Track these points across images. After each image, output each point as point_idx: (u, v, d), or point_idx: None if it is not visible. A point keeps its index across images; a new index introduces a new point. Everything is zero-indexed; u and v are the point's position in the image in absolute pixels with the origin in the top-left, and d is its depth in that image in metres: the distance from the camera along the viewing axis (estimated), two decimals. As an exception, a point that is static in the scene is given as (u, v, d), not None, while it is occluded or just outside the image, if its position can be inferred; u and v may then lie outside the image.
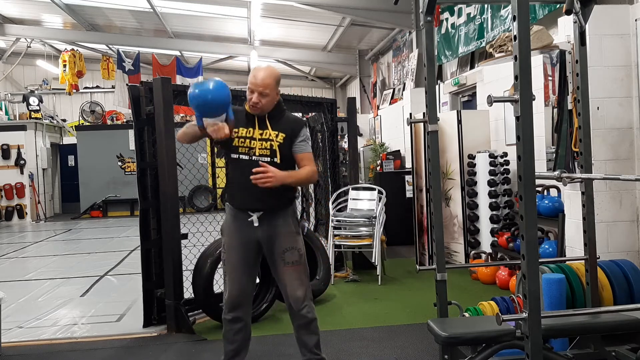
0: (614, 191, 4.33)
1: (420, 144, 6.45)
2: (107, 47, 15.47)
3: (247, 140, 3.05)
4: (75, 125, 15.86)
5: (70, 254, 8.66)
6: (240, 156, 3.05)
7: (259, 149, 3.02)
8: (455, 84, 8.15)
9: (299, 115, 7.60)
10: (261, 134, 3.04)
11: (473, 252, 6.21)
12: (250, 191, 3.02)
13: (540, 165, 4.92)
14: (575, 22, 3.05)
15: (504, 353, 2.81)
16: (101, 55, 15.68)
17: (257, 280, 3.74)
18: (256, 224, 3.05)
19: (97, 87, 18.05)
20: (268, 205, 3.06)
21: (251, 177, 2.90)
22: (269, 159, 3.01)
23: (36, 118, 14.56)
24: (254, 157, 3.02)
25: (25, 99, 14.67)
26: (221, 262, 3.25)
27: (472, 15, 7.19)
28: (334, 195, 6.38)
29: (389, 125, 11.23)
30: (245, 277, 3.12)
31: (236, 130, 3.07)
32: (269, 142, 3.03)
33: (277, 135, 3.04)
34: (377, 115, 12.40)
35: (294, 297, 3.07)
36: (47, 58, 15.72)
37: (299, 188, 7.20)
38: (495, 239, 5.88)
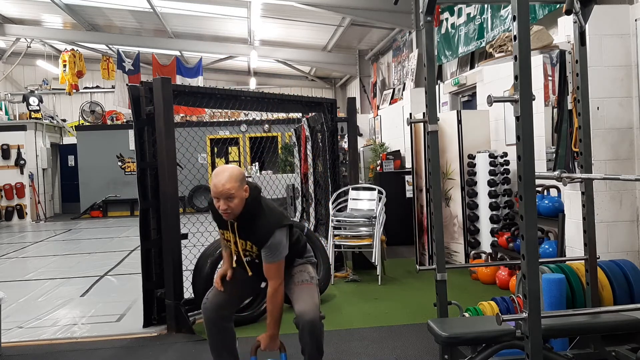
0: (614, 191, 4.33)
1: (420, 144, 6.45)
2: (107, 47, 15.48)
3: (232, 245, 3.07)
4: (75, 125, 15.87)
5: (70, 254, 8.66)
6: (232, 250, 3.10)
7: (243, 251, 3.04)
8: (455, 84, 8.15)
9: (299, 115, 7.63)
10: (241, 243, 3.03)
11: (473, 252, 6.21)
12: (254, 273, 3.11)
13: (540, 165, 4.92)
14: (575, 22, 3.05)
15: (504, 353, 2.81)
16: (101, 55, 15.69)
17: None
18: None
19: (97, 87, 18.06)
20: None
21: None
22: (257, 261, 3.04)
23: (36, 118, 14.57)
24: (244, 259, 3.06)
25: (25, 99, 14.67)
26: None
27: (472, 15, 7.19)
28: (334, 195, 6.38)
29: (389, 125, 11.23)
30: (227, 297, 3.14)
31: (222, 231, 3.13)
32: (248, 252, 3.05)
33: (252, 247, 3.02)
34: (377, 115, 12.40)
35: (307, 319, 2.94)
36: (47, 58, 15.73)
37: (301, 186, 7.20)
38: (495, 239, 5.88)
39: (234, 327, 3.28)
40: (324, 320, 3.12)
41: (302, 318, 2.93)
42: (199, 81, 14.78)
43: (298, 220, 7.72)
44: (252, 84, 17.75)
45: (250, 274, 3.08)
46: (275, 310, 2.98)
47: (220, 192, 2.84)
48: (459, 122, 6.38)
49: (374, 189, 6.47)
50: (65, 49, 14.78)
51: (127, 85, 13.42)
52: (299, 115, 7.72)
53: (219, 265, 4.43)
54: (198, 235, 5.01)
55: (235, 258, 3.09)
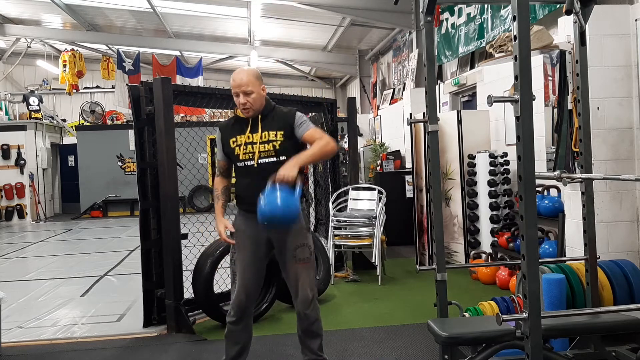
0: (614, 191, 4.33)
1: (420, 144, 6.45)
2: (107, 47, 15.48)
3: (249, 146, 3.05)
4: (75, 125, 15.87)
5: (71, 254, 8.66)
6: (246, 163, 3.06)
7: (262, 152, 3.02)
8: (455, 84, 8.15)
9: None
10: (261, 138, 3.03)
11: (473, 252, 6.21)
12: (259, 192, 3.00)
13: (540, 165, 4.92)
14: (575, 22, 3.05)
15: (504, 353, 2.81)
16: (101, 55, 15.69)
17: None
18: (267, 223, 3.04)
19: (97, 87, 18.06)
20: None
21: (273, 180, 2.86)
22: (274, 159, 3.01)
23: (36, 118, 14.56)
24: (260, 161, 3.03)
25: (25, 99, 14.67)
26: (230, 262, 3.24)
27: (472, 15, 7.19)
28: (334, 195, 6.38)
29: (389, 125, 11.23)
30: (254, 279, 3.13)
31: (234, 139, 3.09)
32: (270, 144, 3.03)
33: (275, 135, 3.03)
34: (377, 115, 12.40)
35: (303, 296, 3.06)
36: (47, 58, 15.73)
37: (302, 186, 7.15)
38: (496, 239, 5.88)
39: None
40: (324, 320, 3.14)
41: (297, 295, 3.04)
42: (199, 81, 14.78)
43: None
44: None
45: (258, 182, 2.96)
46: (320, 150, 2.96)
47: (239, 85, 2.98)
48: (459, 122, 6.38)
49: (374, 189, 6.47)
50: (65, 49, 14.78)
51: (127, 85, 13.42)
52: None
53: (221, 264, 4.45)
54: (198, 235, 5.01)
55: (248, 163, 3.03)
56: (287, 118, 3.07)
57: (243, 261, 3.11)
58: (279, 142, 3.02)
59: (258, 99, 3.02)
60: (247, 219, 3.11)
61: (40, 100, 14.85)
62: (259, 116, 3.07)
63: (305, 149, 3.08)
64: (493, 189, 6.08)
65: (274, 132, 3.04)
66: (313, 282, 3.13)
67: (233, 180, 3.24)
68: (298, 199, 2.87)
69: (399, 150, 9.30)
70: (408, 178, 7.82)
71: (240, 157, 3.07)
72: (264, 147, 3.02)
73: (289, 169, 2.83)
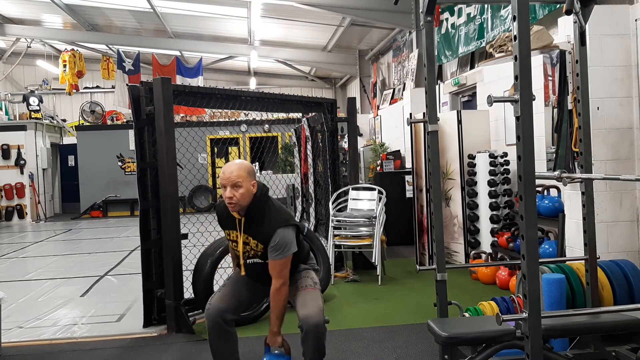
0: (614, 191, 4.33)
1: (420, 144, 6.45)
2: (107, 47, 15.48)
3: (238, 245, 3.08)
4: (75, 125, 15.87)
5: (71, 254, 8.66)
6: (236, 253, 3.12)
7: (249, 251, 3.06)
8: (455, 84, 8.15)
9: (299, 115, 7.63)
10: (245, 240, 3.03)
11: (473, 252, 6.21)
12: (258, 276, 3.12)
13: (540, 165, 4.92)
14: (575, 22, 3.05)
15: (504, 353, 2.81)
16: (101, 55, 15.69)
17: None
18: None
19: (97, 87, 18.06)
20: None
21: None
22: (261, 261, 3.04)
23: (36, 118, 14.57)
24: (248, 261, 3.07)
25: (25, 99, 14.67)
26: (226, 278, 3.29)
27: (472, 15, 7.19)
28: (334, 195, 6.38)
29: (389, 125, 11.23)
30: (232, 301, 3.11)
31: (228, 232, 3.13)
32: (253, 251, 3.05)
33: (257, 245, 3.01)
34: (377, 115, 12.40)
35: (311, 323, 2.89)
36: (47, 58, 15.73)
37: (301, 187, 7.20)
38: (495, 239, 5.88)
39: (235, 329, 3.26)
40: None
41: (306, 322, 2.89)
42: (199, 81, 14.79)
43: (298, 220, 7.72)
44: (252, 84, 17.76)
45: (251, 278, 3.11)
46: (277, 308, 2.97)
47: (228, 179, 2.89)
48: (459, 122, 6.38)
49: (374, 189, 6.47)
50: (65, 49, 14.78)
51: (127, 85, 13.42)
52: (299, 115, 7.72)
53: (220, 264, 4.46)
54: (198, 235, 5.01)
55: (241, 261, 3.09)
56: (268, 235, 2.95)
57: (233, 282, 3.17)
58: (260, 252, 3.03)
59: (246, 195, 2.91)
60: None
61: (40, 100, 14.86)
62: (243, 220, 3.01)
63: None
64: (493, 189, 6.08)
65: (255, 242, 3.02)
66: (320, 308, 2.97)
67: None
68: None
69: (399, 150, 9.30)
70: (408, 178, 7.83)
71: (234, 249, 3.15)
72: (249, 248, 3.05)
73: (272, 341, 2.99)
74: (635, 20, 4.32)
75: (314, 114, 6.82)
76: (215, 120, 15.19)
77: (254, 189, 2.95)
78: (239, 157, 15.84)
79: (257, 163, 13.20)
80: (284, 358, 3.02)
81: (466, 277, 5.90)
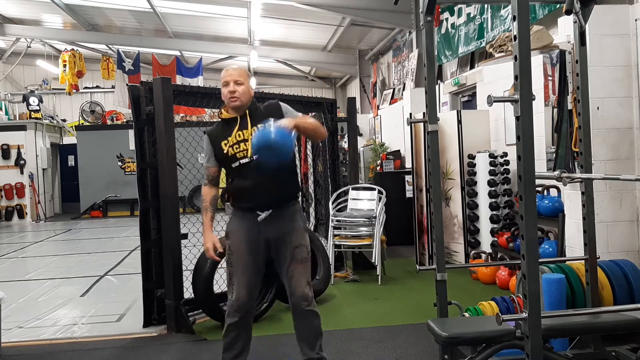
0: (614, 191, 4.33)
1: (420, 144, 6.45)
2: (107, 47, 15.48)
3: (242, 144, 3.05)
4: (75, 125, 15.86)
5: (70, 254, 8.66)
6: (241, 161, 3.06)
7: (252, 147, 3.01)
8: (455, 84, 8.15)
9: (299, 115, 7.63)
10: (252, 134, 3.02)
11: (473, 252, 6.21)
12: (256, 193, 3.04)
13: (540, 165, 4.92)
14: (575, 22, 3.05)
15: (504, 353, 2.81)
16: (101, 55, 15.68)
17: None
18: (262, 217, 3.04)
19: (97, 87, 18.06)
20: (276, 202, 3.07)
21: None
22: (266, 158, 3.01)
23: (36, 118, 14.56)
24: (254, 157, 3.01)
25: (25, 99, 14.67)
26: (226, 263, 3.20)
27: (472, 15, 7.19)
28: (334, 195, 6.38)
29: (389, 125, 11.23)
30: (253, 280, 3.11)
31: (225, 141, 3.09)
32: None
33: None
34: (377, 115, 12.40)
35: (301, 295, 3.04)
36: (47, 58, 15.73)
37: (301, 186, 7.18)
38: (495, 239, 5.88)
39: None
40: (324, 320, 3.13)
41: (294, 294, 3.03)
42: (199, 81, 14.78)
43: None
44: (252, 84, 17.76)
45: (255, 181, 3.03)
46: (315, 126, 3.06)
47: (230, 75, 3.07)
48: (459, 122, 6.38)
49: (374, 189, 6.47)
50: (65, 49, 14.78)
51: (127, 85, 13.43)
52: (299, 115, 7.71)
53: (221, 264, 4.44)
54: (198, 235, 5.00)
55: (243, 161, 3.04)
56: (273, 110, 3.13)
57: (241, 264, 3.08)
58: None
59: (247, 92, 3.09)
60: (244, 220, 3.10)
61: (40, 100, 14.85)
62: (247, 112, 3.10)
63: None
64: (493, 189, 6.08)
65: (262, 125, 3.01)
66: (310, 281, 3.13)
67: (224, 176, 3.22)
68: (292, 138, 2.87)
69: (399, 150, 9.30)
70: (408, 178, 7.82)
71: (236, 156, 3.06)
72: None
73: (286, 121, 2.88)
74: (635, 20, 4.32)
75: (314, 114, 6.81)
76: (215, 120, 15.18)
77: (251, 91, 3.15)
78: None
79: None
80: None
81: (466, 277, 5.90)
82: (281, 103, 3.20)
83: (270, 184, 3.02)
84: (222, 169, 3.20)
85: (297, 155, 8.92)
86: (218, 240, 3.15)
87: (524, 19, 2.06)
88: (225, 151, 3.08)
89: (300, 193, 3.25)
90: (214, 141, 3.15)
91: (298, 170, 7.64)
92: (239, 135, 3.07)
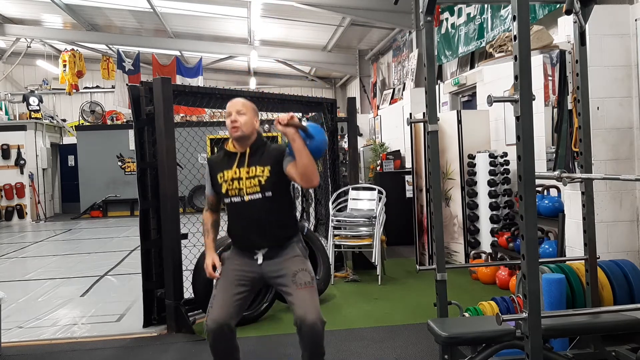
0: (614, 191, 4.33)
1: (420, 144, 6.45)
2: (107, 47, 15.48)
3: (235, 182, 2.96)
4: (75, 125, 15.86)
5: (70, 254, 8.65)
6: (232, 199, 2.99)
7: (248, 187, 2.94)
8: (455, 84, 8.15)
9: (299, 115, 7.63)
10: (247, 172, 2.95)
11: (473, 252, 6.21)
12: (251, 232, 2.97)
13: (540, 165, 4.92)
14: (575, 22, 3.05)
15: (504, 353, 2.81)
16: (101, 55, 15.69)
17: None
18: (260, 262, 2.97)
19: (97, 87, 18.06)
20: (272, 241, 2.98)
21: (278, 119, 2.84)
22: (260, 195, 2.93)
23: (36, 118, 14.56)
24: (245, 198, 2.94)
25: (25, 99, 14.67)
26: (214, 285, 3.10)
27: (472, 15, 7.19)
28: (334, 195, 6.38)
29: (389, 125, 11.23)
30: (228, 311, 2.93)
31: (221, 174, 3.01)
32: (256, 179, 2.93)
33: (263, 170, 2.94)
34: (377, 115, 12.40)
35: (309, 325, 2.83)
36: (47, 58, 15.73)
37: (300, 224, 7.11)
38: (495, 239, 5.88)
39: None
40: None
41: (303, 322, 2.83)
42: (199, 81, 14.78)
43: (298, 220, 7.70)
44: (252, 84, 17.76)
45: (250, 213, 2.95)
46: (308, 154, 2.83)
47: (233, 106, 2.99)
48: (459, 122, 6.38)
49: (374, 189, 6.47)
50: (65, 49, 14.78)
51: (127, 85, 13.42)
52: (299, 115, 7.72)
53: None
54: (198, 235, 5.00)
55: (234, 200, 2.96)
56: (276, 153, 2.97)
57: (223, 292, 2.96)
58: (264, 178, 2.92)
59: (249, 123, 2.95)
60: (241, 256, 3.03)
61: (40, 100, 14.85)
62: (248, 150, 2.98)
63: (289, 187, 3.06)
64: (493, 189, 6.08)
65: (261, 168, 2.94)
66: (318, 307, 2.91)
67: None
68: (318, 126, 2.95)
69: (399, 150, 9.30)
70: (408, 178, 7.83)
71: (229, 194, 2.98)
72: (250, 182, 2.93)
73: (283, 116, 2.84)
74: (635, 20, 4.32)
75: (314, 114, 6.81)
76: (215, 120, 15.18)
77: (257, 125, 3.04)
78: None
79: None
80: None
81: (466, 277, 5.90)
82: (287, 149, 2.96)
83: (262, 226, 2.94)
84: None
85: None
86: (218, 259, 3.06)
87: (524, 19, 2.06)
88: (219, 184, 3.02)
89: (298, 233, 3.16)
90: (212, 171, 3.09)
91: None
92: (235, 172, 2.97)
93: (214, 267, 3.03)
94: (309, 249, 3.19)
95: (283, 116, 2.82)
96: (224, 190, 3.00)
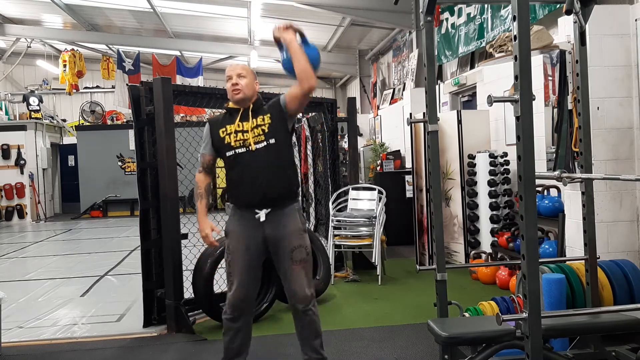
0: (614, 191, 4.33)
1: (420, 144, 6.45)
2: (107, 47, 15.47)
3: (240, 134, 3.04)
4: (75, 125, 15.87)
5: (70, 254, 8.65)
6: (237, 150, 3.04)
7: (253, 137, 3.01)
8: (455, 84, 8.15)
9: (299, 115, 7.64)
10: (251, 124, 3.05)
11: (473, 252, 6.21)
12: (255, 187, 3.00)
13: (540, 165, 4.92)
14: (575, 22, 3.05)
15: (504, 353, 2.81)
16: (101, 55, 15.68)
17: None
18: (263, 219, 3.01)
19: (97, 87, 18.05)
20: (275, 200, 3.03)
21: (277, 28, 2.94)
22: (265, 143, 3.01)
23: (36, 118, 14.56)
24: (251, 147, 3.01)
25: (25, 99, 14.67)
26: (225, 263, 3.20)
27: (472, 15, 7.19)
28: (334, 195, 6.38)
29: (389, 125, 11.23)
30: (250, 281, 3.10)
31: (224, 129, 3.08)
32: (259, 128, 3.03)
33: (263, 119, 3.05)
34: (377, 115, 12.40)
35: (301, 296, 3.03)
36: (47, 58, 15.73)
37: (301, 186, 7.16)
38: (495, 239, 5.88)
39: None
40: (324, 320, 3.13)
41: (296, 296, 3.00)
42: (199, 81, 14.78)
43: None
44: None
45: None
46: (305, 58, 2.96)
47: (233, 70, 3.10)
48: (459, 122, 6.38)
49: (374, 189, 6.47)
50: (65, 49, 14.77)
51: (127, 85, 13.42)
52: (299, 115, 7.73)
53: (221, 264, 4.44)
54: (198, 235, 4.99)
55: (239, 151, 3.03)
56: (274, 102, 3.13)
57: (238, 265, 3.07)
58: (267, 125, 3.03)
59: (250, 85, 3.09)
60: (243, 219, 3.09)
61: (40, 100, 14.85)
62: (251, 106, 3.09)
63: (291, 136, 3.17)
64: (493, 189, 6.08)
65: (262, 117, 3.07)
66: (311, 281, 3.11)
67: (224, 176, 3.21)
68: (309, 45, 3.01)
69: (399, 150, 9.30)
70: (408, 178, 7.83)
71: (232, 145, 3.04)
72: (254, 132, 3.03)
73: (280, 30, 2.96)
74: (635, 20, 4.32)
75: (314, 114, 6.82)
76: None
77: (257, 87, 3.16)
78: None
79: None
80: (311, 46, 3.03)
81: (466, 277, 5.90)
82: (282, 94, 3.19)
83: (268, 177, 2.99)
84: (218, 158, 3.21)
85: (297, 155, 8.94)
86: (214, 225, 3.19)
87: (524, 19, 2.06)
88: (222, 137, 3.08)
89: (300, 190, 3.22)
90: (213, 128, 3.15)
91: (298, 168, 7.67)
92: (239, 125, 3.06)
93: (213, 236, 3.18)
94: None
95: (282, 24, 2.95)
96: (227, 142, 3.06)
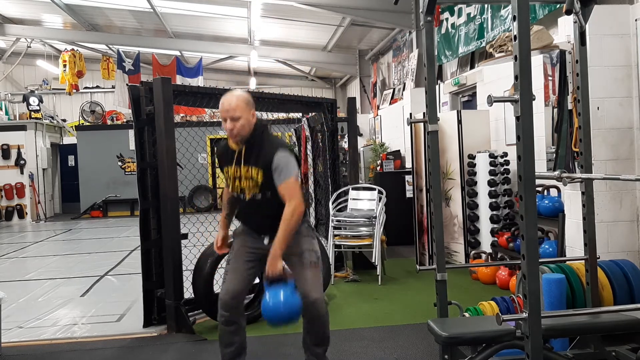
0: (614, 191, 4.33)
1: (420, 144, 6.45)
2: (107, 47, 15.48)
3: (237, 181, 3.06)
4: (75, 125, 15.86)
5: (71, 254, 8.66)
6: (235, 194, 3.12)
7: (248, 188, 3.03)
8: (455, 84, 8.15)
9: (299, 115, 7.64)
10: (246, 172, 3.02)
11: (473, 252, 6.21)
12: (255, 222, 3.13)
13: (540, 165, 4.92)
14: (575, 22, 3.05)
15: (504, 353, 2.81)
16: (101, 55, 15.68)
17: (257, 280, 3.71)
18: (266, 242, 3.08)
19: (97, 87, 18.05)
20: (276, 229, 3.01)
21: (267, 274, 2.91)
22: (260, 196, 3.02)
23: (36, 118, 14.56)
24: (247, 196, 3.05)
25: (25, 99, 14.67)
26: (225, 261, 3.26)
27: (472, 15, 7.19)
28: (334, 195, 6.38)
29: (389, 125, 11.23)
30: (242, 279, 3.12)
31: (227, 169, 3.12)
32: (253, 181, 3.01)
33: (257, 173, 2.99)
34: (377, 115, 12.40)
35: (311, 301, 2.98)
36: (47, 58, 15.73)
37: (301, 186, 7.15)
38: (496, 239, 5.88)
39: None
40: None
41: (307, 299, 2.96)
42: (199, 81, 14.78)
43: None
44: (252, 84, 17.76)
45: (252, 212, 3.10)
46: (288, 229, 2.89)
47: (227, 110, 2.94)
48: (459, 122, 6.38)
49: (374, 189, 6.47)
50: (65, 49, 14.78)
51: (127, 85, 13.41)
52: (299, 115, 7.72)
53: (221, 264, 4.45)
54: (198, 235, 5.01)
55: (247, 196, 3.05)
56: (267, 157, 2.97)
57: (235, 264, 3.13)
58: (260, 180, 3.00)
59: (246, 125, 2.96)
60: (252, 235, 3.18)
61: (40, 100, 14.85)
62: (243, 149, 3.02)
63: None
64: (493, 189, 6.07)
65: (255, 170, 3.00)
66: (321, 286, 3.12)
67: (220, 182, 3.27)
68: (295, 293, 2.89)
69: (399, 150, 9.30)
70: (408, 178, 7.82)
71: (232, 189, 3.12)
72: (249, 182, 3.02)
73: (272, 265, 2.87)
74: (635, 20, 4.32)
75: (314, 114, 6.81)
76: (215, 120, 15.18)
77: (253, 119, 3.01)
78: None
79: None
80: (287, 286, 2.90)
81: (466, 277, 5.90)
82: (278, 154, 2.96)
83: (269, 219, 3.02)
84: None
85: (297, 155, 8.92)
86: (228, 236, 3.28)
87: (524, 19, 2.06)
88: (226, 176, 3.15)
89: (308, 210, 3.25)
90: (220, 161, 3.22)
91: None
92: (236, 170, 3.05)
93: (221, 248, 3.27)
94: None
95: (273, 272, 2.87)
96: (229, 184, 3.14)
